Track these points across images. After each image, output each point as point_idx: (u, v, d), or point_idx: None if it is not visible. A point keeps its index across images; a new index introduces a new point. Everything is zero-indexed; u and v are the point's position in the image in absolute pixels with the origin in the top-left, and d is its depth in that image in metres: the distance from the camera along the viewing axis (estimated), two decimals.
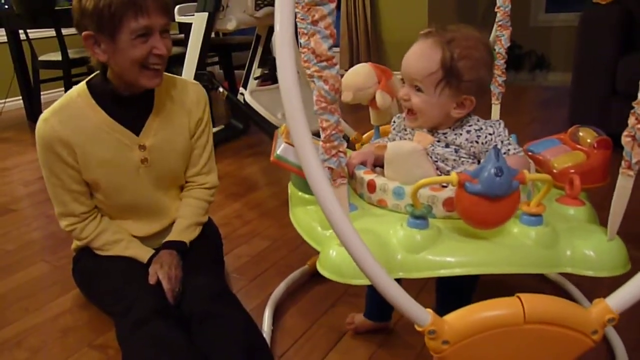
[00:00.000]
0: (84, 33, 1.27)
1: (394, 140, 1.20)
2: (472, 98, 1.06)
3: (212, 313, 1.23)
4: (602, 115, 2.58)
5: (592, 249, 0.91)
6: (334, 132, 0.81)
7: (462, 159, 1.07)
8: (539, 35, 4.44)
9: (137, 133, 1.38)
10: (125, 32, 1.24)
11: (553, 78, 4.45)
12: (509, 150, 1.06)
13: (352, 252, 0.73)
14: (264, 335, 1.32)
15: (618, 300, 0.79)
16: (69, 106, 1.34)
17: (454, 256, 0.90)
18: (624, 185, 0.88)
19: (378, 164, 1.16)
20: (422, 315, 0.76)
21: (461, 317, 0.78)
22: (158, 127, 1.41)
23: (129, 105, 1.37)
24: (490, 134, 1.06)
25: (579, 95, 2.71)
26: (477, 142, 1.06)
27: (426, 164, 1.04)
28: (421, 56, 1.05)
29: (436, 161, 1.08)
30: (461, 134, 1.08)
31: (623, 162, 0.87)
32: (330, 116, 0.80)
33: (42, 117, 1.33)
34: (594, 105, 2.63)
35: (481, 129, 1.07)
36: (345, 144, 0.85)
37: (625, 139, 0.85)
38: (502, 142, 1.06)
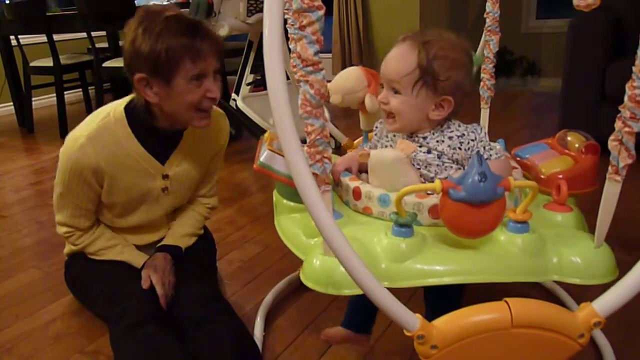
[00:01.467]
0: (136, 76, 1.24)
1: (375, 146, 1.19)
2: (450, 99, 1.05)
3: (204, 319, 1.23)
4: (592, 121, 2.60)
5: (579, 256, 0.91)
6: (318, 137, 0.81)
7: (446, 165, 1.06)
8: (530, 42, 4.48)
9: (163, 162, 1.39)
10: (182, 76, 1.22)
11: (544, 84, 4.48)
12: (490, 155, 1.05)
13: (341, 258, 0.74)
14: (256, 340, 1.33)
15: (604, 304, 0.79)
16: (105, 133, 1.31)
17: (439, 265, 0.89)
18: (611, 191, 0.88)
19: (363, 170, 1.15)
20: (410, 320, 0.77)
21: (449, 322, 0.79)
22: (182, 158, 1.41)
23: (161, 136, 1.37)
24: (472, 140, 1.06)
25: (569, 100, 2.74)
26: (459, 148, 1.06)
27: (409, 172, 1.04)
28: (398, 58, 1.06)
29: (419, 168, 1.07)
30: (443, 141, 1.07)
31: (610, 167, 0.86)
32: (315, 120, 0.80)
33: (77, 140, 1.29)
34: (583, 110, 2.66)
35: (463, 134, 1.06)
36: (330, 150, 0.85)
37: (612, 144, 0.85)
38: (484, 147, 1.06)
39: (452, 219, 0.87)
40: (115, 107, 1.35)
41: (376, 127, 1.22)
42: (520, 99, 4.26)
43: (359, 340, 1.23)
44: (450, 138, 1.06)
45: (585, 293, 1.06)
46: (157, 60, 1.20)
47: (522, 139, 3.21)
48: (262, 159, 1.10)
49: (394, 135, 1.15)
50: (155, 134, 1.35)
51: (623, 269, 0.83)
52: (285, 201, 1.16)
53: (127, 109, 1.34)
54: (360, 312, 1.22)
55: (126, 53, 1.25)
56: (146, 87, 1.25)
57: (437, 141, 1.07)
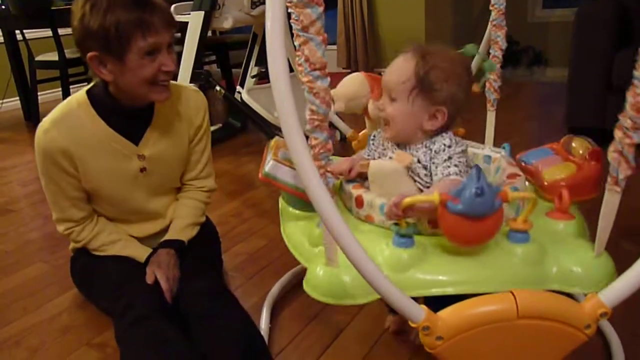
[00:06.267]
0: (88, 54, 1.24)
1: (372, 154, 1.20)
2: (444, 110, 1.06)
3: (210, 312, 1.23)
4: (598, 110, 2.58)
5: (579, 265, 0.91)
6: (322, 150, 0.81)
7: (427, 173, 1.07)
8: (537, 31, 4.45)
9: (136, 143, 1.38)
10: (134, 51, 1.21)
11: (551, 74, 4.46)
12: (449, 174, 1.03)
13: (346, 249, 0.74)
14: (262, 333, 1.33)
15: (611, 294, 0.79)
16: (68, 116, 1.32)
17: (441, 275, 0.90)
18: (611, 201, 0.87)
19: (363, 177, 1.16)
20: (416, 311, 0.77)
21: (455, 313, 0.79)
22: (157, 137, 1.40)
23: (129, 116, 1.36)
24: (445, 145, 1.06)
25: (575, 90, 2.72)
26: (430, 149, 1.07)
27: (407, 182, 1.05)
28: (397, 67, 1.09)
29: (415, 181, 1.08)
30: (431, 151, 1.07)
31: (609, 178, 0.85)
32: (320, 134, 0.81)
33: (41, 127, 1.31)
34: (590, 100, 2.63)
35: (450, 146, 1.06)
36: (332, 160, 0.85)
37: (612, 155, 0.83)
38: (449, 157, 1.05)
39: (450, 229, 0.88)
40: (79, 92, 1.36)
41: (373, 137, 1.22)
42: (527, 89, 4.23)
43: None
44: (437, 152, 1.07)
45: None
46: (107, 36, 1.19)
47: (528, 130, 3.17)
48: (267, 169, 1.11)
49: (384, 149, 1.16)
50: (122, 113, 1.35)
51: (630, 259, 0.82)
52: (290, 209, 1.17)
53: (90, 91, 1.35)
54: None
55: (76, 31, 1.24)
56: (100, 66, 1.25)
57: (424, 153, 1.08)
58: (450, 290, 0.89)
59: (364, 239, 0.94)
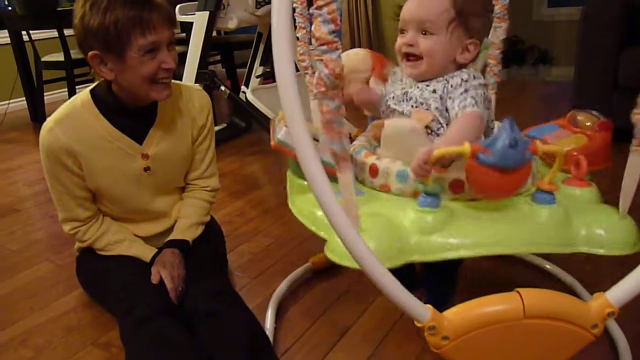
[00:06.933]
0: (89, 53, 1.25)
1: (387, 93, 1.16)
2: (477, 42, 1.05)
3: (215, 311, 1.23)
4: (605, 109, 2.56)
5: (604, 227, 0.91)
6: (334, 117, 0.78)
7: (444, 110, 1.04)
8: (542, 30, 4.42)
9: (140, 142, 1.38)
10: (133, 49, 1.22)
11: (556, 72, 4.43)
12: (465, 106, 1.01)
13: (352, 250, 0.73)
14: (267, 332, 1.33)
15: (618, 293, 0.79)
16: (72, 116, 1.33)
17: (467, 237, 0.89)
18: (634, 163, 0.88)
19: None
20: (421, 311, 0.77)
21: (461, 313, 0.78)
22: (161, 136, 1.41)
23: (133, 116, 1.37)
24: (462, 79, 1.03)
25: (581, 89, 2.70)
26: (448, 82, 1.04)
27: (426, 143, 1.01)
28: (428, 0, 1.04)
29: (417, 105, 1.05)
30: (448, 82, 1.05)
31: (633, 140, 0.87)
32: (330, 102, 0.77)
33: (45, 126, 1.32)
34: (596, 99, 2.62)
35: (467, 80, 1.03)
36: (347, 127, 0.83)
37: (635, 117, 0.85)
38: (465, 90, 1.02)
39: (478, 181, 0.87)
40: (83, 92, 1.37)
41: (394, 73, 1.19)
42: (532, 88, 4.21)
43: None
44: (453, 86, 1.04)
45: (598, 283, 1.05)
46: (106, 35, 1.20)
47: None
48: (279, 136, 1.08)
49: (403, 87, 1.12)
50: (125, 112, 1.35)
51: (636, 258, 0.82)
52: (299, 181, 1.15)
53: (93, 91, 1.36)
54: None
55: (77, 30, 1.25)
56: (100, 64, 1.26)
57: (442, 86, 1.05)
58: (479, 252, 0.88)
59: (387, 206, 0.95)
